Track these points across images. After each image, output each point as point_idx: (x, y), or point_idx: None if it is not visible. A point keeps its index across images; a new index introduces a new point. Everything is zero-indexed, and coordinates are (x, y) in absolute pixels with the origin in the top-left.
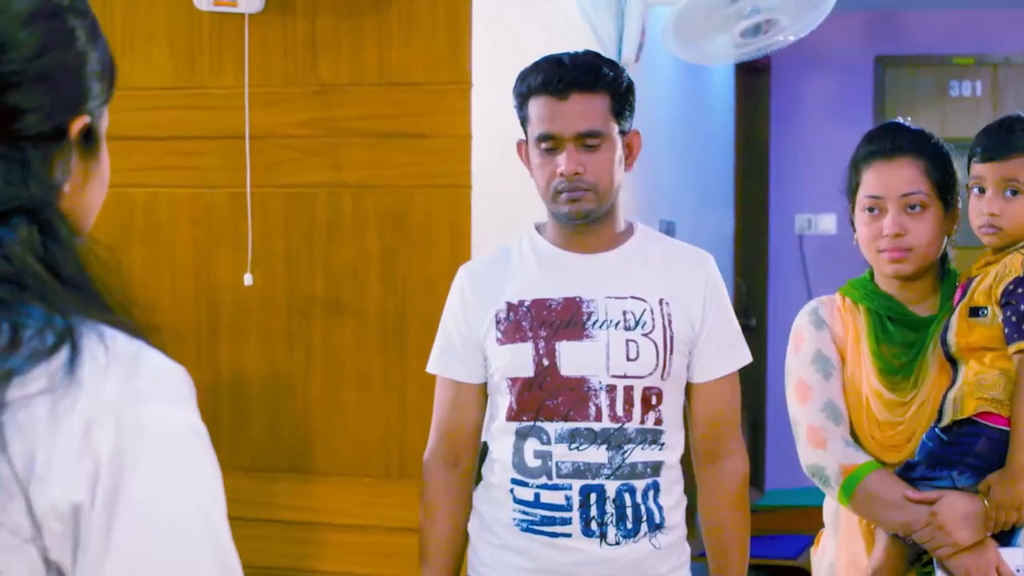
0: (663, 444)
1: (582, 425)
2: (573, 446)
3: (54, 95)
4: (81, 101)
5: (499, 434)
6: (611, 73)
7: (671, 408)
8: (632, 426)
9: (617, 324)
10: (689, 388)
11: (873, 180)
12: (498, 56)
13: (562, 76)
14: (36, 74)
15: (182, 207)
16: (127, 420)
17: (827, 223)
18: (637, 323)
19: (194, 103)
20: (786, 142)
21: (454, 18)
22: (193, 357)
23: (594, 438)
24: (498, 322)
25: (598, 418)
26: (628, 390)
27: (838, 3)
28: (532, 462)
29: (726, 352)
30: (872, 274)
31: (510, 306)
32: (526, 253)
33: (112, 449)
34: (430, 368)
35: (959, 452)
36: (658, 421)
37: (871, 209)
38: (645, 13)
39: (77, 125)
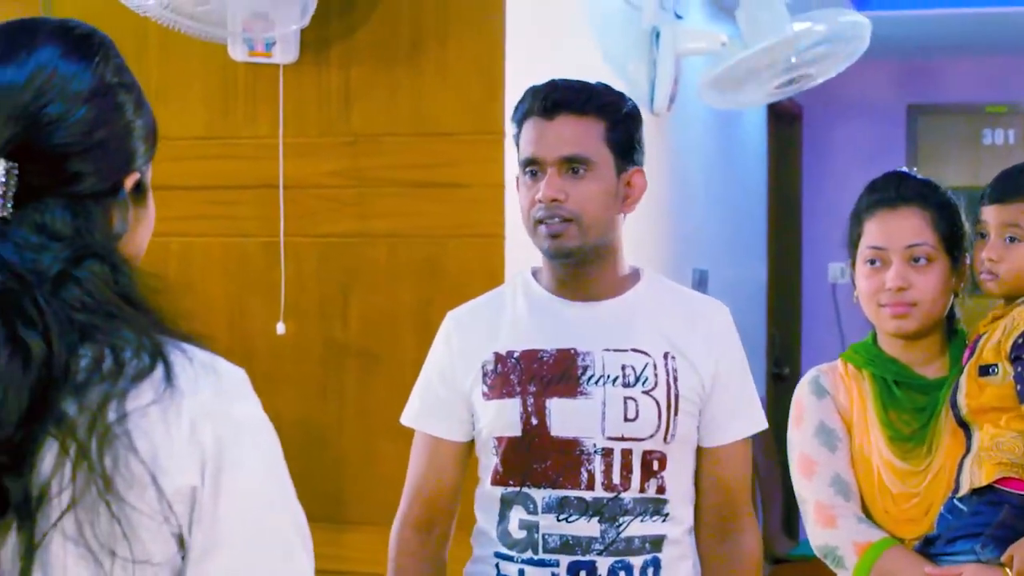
0: (667, 516)
1: (572, 493)
2: (561, 517)
3: (108, 159)
4: (131, 161)
5: (484, 500)
6: (609, 98)
7: (677, 475)
8: (629, 496)
9: (615, 380)
10: (698, 453)
11: (875, 230)
12: None
13: (551, 95)
14: (93, 144)
15: (216, 256)
16: (221, 417)
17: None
18: (638, 379)
19: (228, 153)
20: (819, 190)
21: (487, 68)
22: None
23: (585, 508)
24: (485, 375)
25: (590, 486)
26: (626, 454)
27: (870, 52)
28: (517, 533)
29: (741, 414)
30: (875, 337)
31: (498, 357)
32: (519, 299)
33: (213, 441)
34: (405, 420)
35: (981, 523)
36: (660, 489)
37: (872, 261)
38: (677, 63)
39: (129, 182)
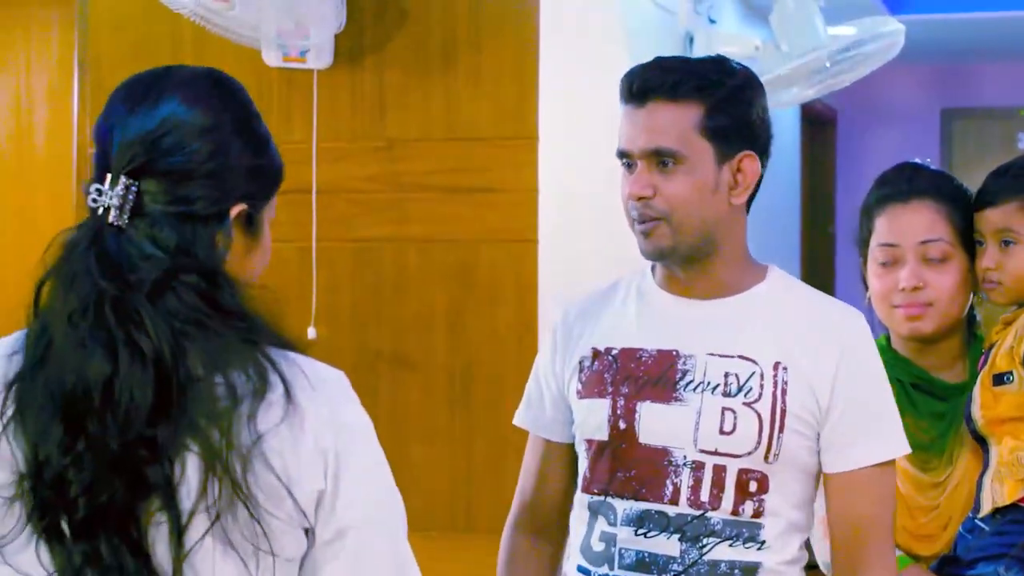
0: (763, 544)
1: (654, 507)
2: (640, 531)
3: (215, 188)
4: (237, 194)
5: (577, 508)
6: (711, 78)
7: (782, 500)
8: (718, 516)
9: (715, 388)
10: (825, 481)
11: (887, 227)
12: (565, 110)
13: (641, 78)
14: (202, 173)
15: None
16: (337, 427)
17: None
18: (740, 389)
19: None
20: (853, 195)
21: (521, 73)
22: None
23: (666, 524)
24: (581, 371)
25: (674, 500)
26: (718, 470)
27: (904, 56)
28: (597, 546)
29: (868, 437)
30: (888, 339)
31: (596, 353)
32: (631, 292)
33: (333, 447)
34: (516, 420)
35: (1004, 543)
36: (758, 513)
37: (885, 260)
38: None
39: (234, 211)
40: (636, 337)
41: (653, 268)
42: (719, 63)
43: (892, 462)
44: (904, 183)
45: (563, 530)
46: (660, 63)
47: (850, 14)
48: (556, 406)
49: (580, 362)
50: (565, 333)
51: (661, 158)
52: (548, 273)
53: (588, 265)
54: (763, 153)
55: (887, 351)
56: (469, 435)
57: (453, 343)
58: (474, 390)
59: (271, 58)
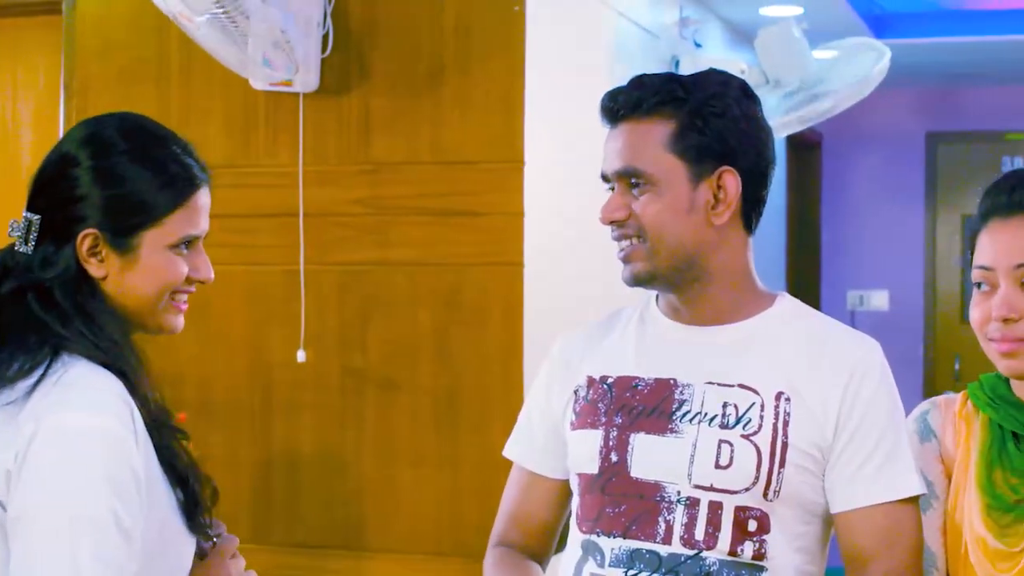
0: None
1: (644, 546)
2: (631, 572)
3: (62, 217)
4: (82, 222)
5: (570, 545)
6: (678, 92)
7: (786, 541)
8: (714, 556)
9: (712, 419)
10: (836, 521)
11: (985, 246)
12: (551, 134)
13: (612, 97)
14: (54, 204)
15: (236, 284)
16: (46, 421)
17: (879, 300)
18: (739, 420)
19: (249, 181)
20: (838, 218)
21: (507, 97)
22: (247, 433)
23: (657, 565)
24: (576, 400)
25: (667, 540)
26: (714, 507)
27: (889, 79)
28: None
29: (877, 474)
30: (1003, 377)
31: (591, 382)
32: (632, 320)
33: (29, 437)
34: (505, 451)
35: None
36: (759, 555)
37: (979, 284)
38: None
39: (81, 235)
40: (633, 365)
41: (658, 296)
42: (697, 76)
43: (908, 504)
44: (1006, 195)
45: (548, 555)
46: (636, 80)
47: (834, 38)
48: (547, 439)
49: (575, 391)
50: (562, 363)
51: (631, 179)
52: (534, 296)
53: (574, 289)
54: (750, 168)
55: (1001, 387)
56: (455, 458)
57: (439, 366)
58: (460, 413)
59: (257, 82)
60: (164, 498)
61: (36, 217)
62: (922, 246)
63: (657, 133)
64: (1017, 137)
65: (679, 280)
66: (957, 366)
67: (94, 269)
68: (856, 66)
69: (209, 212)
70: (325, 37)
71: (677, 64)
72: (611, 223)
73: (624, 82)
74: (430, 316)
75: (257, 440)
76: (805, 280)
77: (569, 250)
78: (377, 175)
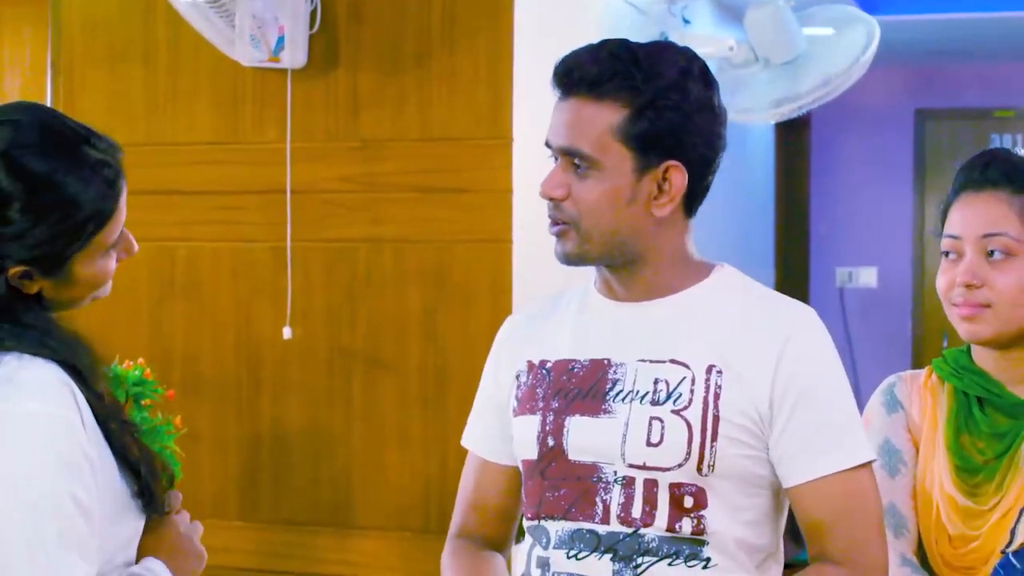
0: (708, 562)
1: (584, 526)
2: (572, 553)
3: None
4: (10, 259)
5: (524, 535)
6: (637, 78)
7: (727, 516)
8: (653, 533)
9: (644, 397)
10: (790, 495)
11: (955, 217)
12: (539, 111)
13: (566, 67)
14: None
15: (223, 261)
16: None
17: (868, 276)
18: (669, 396)
19: (236, 158)
20: (826, 195)
21: (495, 74)
22: (234, 410)
23: (596, 544)
24: (518, 386)
25: (604, 519)
26: (649, 486)
27: (877, 58)
28: (534, 572)
29: (825, 443)
30: (971, 345)
31: (530, 367)
32: (573, 302)
33: None
34: (462, 440)
35: None
36: (698, 531)
37: (947, 253)
38: None
39: (12, 272)
40: (570, 348)
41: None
42: (657, 56)
43: (861, 470)
44: (978, 171)
45: (509, 543)
46: (592, 50)
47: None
48: (496, 425)
49: (517, 376)
50: (506, 347)
51: (575, 159)
52: (522, 274)
53: (562, 267)
54: (698, 159)
55: (963, 358)
56: (443, 436)
57: (427, 344)
58: (448, 391)
59: (245, 57)
60: (115, 483)
61: None
62: (911, 223)
63: (607, 117)
64: (1006, 114)
65: (611, 262)
66: (945, 343)
67: (28, 288)
68: (847, 42)
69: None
70: (313, 14)
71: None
72: (550, 199)
73: (579, 48)
74: (418, 294)
75: (244, 418)
76: (794, 257)
77: None
78: (365, 152)
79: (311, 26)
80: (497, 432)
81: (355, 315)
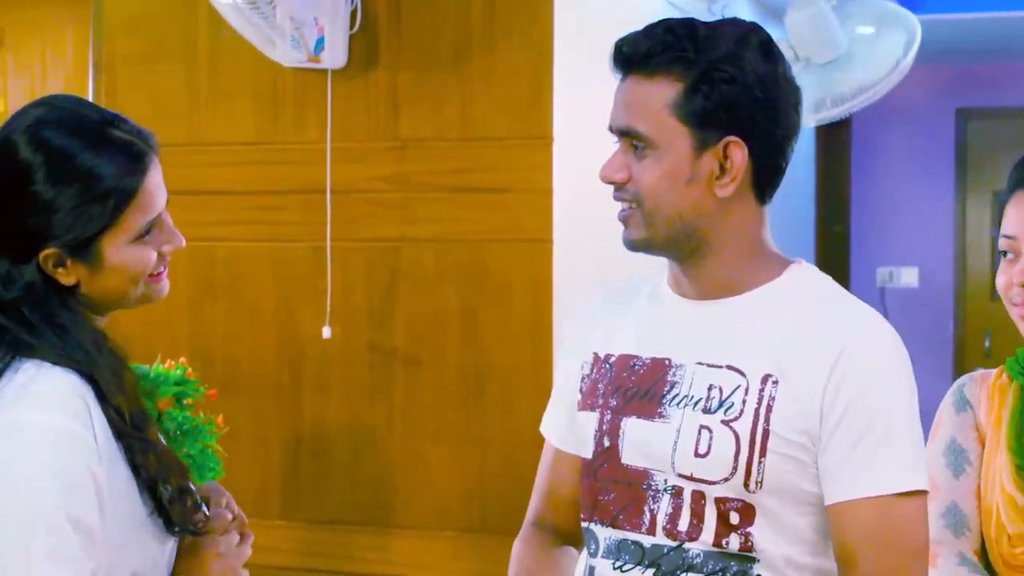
0: None
1: (630, 536)
2: (617, 564)
3: (11, 231)
4: (40, 241)
5: None
6: (689, 50)
7: (777, 535)
8: (698, 548)
9: (697, 403)
10: (828, 514)
11: (1012, 216)
12: (579, 110)
13: (621, 47)
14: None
15: (263, 261)
16: None
17: (909, 276)
18: (721, 404)
19: (276, 158)
20: (867, 195)
21: (535, 73)
22: (274, 409)
23: (641, 556)
24: (583, 379)
25: (650, 530)
26: (697, 497)
27: (918, 56)
28: None
29: (865, 464)
30: None
31: (596, 359)
32: (643, 292)
33: None
34: (541, 426)
35: None
36: (746, 547)
37: (1004, 252)
38: None
39: (43, 255)
40: (634, 343)
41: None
42: (714, 29)
43: (906, 500)
44: None
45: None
46: (648, 30)
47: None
48: (568, 414)
49: (582, 367)
50: (579, 333)
51: (632, 140)
52: (562, 273)
53: (602, 265)
54: (763, 137)
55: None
56: (482, 434)
57: (467, 343)
58: (487, 389)
59: (285, 58)
60: (129, 500)
61: None
62: (952, 223)
63: (662, 94)
64: None
65: (677, 250)
66: (987, 343)
67: (63, 278)
68: (888, 42)
69: (235, 189)
70: (353, 14)
71: None
72: (610, 183)
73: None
74: (457, 293)
75: (285, 417)
76: (834, 257)
77: (597, 226)
78: (404, 152)
79: (351, 27)
80: (567, 421)
81: (395, 314)
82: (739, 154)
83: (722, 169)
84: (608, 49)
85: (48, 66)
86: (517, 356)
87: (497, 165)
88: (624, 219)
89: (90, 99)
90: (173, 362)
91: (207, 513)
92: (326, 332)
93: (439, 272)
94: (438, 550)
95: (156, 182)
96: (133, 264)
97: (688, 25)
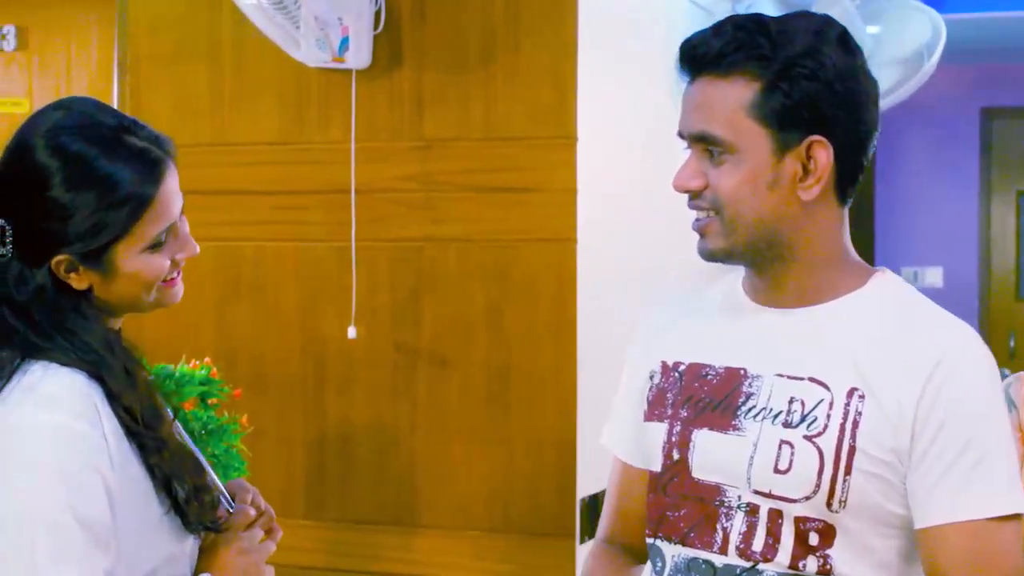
0: None
1: (701, 555)
2: None
3: (26, 232)
4: (53, 246)
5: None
6: (765, 47)
7: (857, 559)
8: (773, 569)
9: (776, 416)
10: (917, 538)
11: None
12: (603, 109)
13: (690, 46)
14: (16, 232)
15: (288, 261)
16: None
17: (933, 276)
18: (803, 419)
19: (301, 158)
20: (891, 194)
21: (559, 72)
22: (299, 409)
23: None
24: (649, 388)
25: (723, 549)
26: (774, 516)
27: (943, 55)
28: None
29: (960, 487)
30: None
31: (664, 367)
32: (716, 298)
33: None
34: (601, 438)
35: None
36: (824, 570)
37: None
38: None
39: (55, 260)
40: (706, 351)
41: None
42: (787, 23)
43: (1001, 524)
44: None
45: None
46: (718, 27)
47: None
48: (632, 424)
49: (650, 375)
50: (644, 341)
51: (707, 145)
52: (587, 273)
53: (627, 264)
54: (846, 135)
55: None
56: (508, 434)
57: (492, 343)
58: (513, 390)
59: (310, 58)
60: (143, 499)
61: (7, 225)
62: (976, 223)
63: (738, 94)
64: None
65: (759, 258)
66: (1012, 343)
67: (76, 283)
68: (912, 43)
69: (260, 189)
70: (377, 14)
71: None
72: (685, 192)
73: (706, 26)
74: (482, 293)
75: (310, 416)
76: (859, 257)
77: (622, 226)
78: (429, 151)
79: (375, 26)
80: (633, 432)
81: (419, 314)
82: (824, 154)
83: (805, 171)
84: (631, 49)
85: (73, 66)
86: (541, 356)
87: (521, 165)
88: (701, 229)
89: (115, 99)
90: (198, 362)
91: (231, 508)
92: (351, 332)
93: (463, 272)
94: (462, 550)
95: (171, 189)
96: (146, 272)
97: (758, 21)
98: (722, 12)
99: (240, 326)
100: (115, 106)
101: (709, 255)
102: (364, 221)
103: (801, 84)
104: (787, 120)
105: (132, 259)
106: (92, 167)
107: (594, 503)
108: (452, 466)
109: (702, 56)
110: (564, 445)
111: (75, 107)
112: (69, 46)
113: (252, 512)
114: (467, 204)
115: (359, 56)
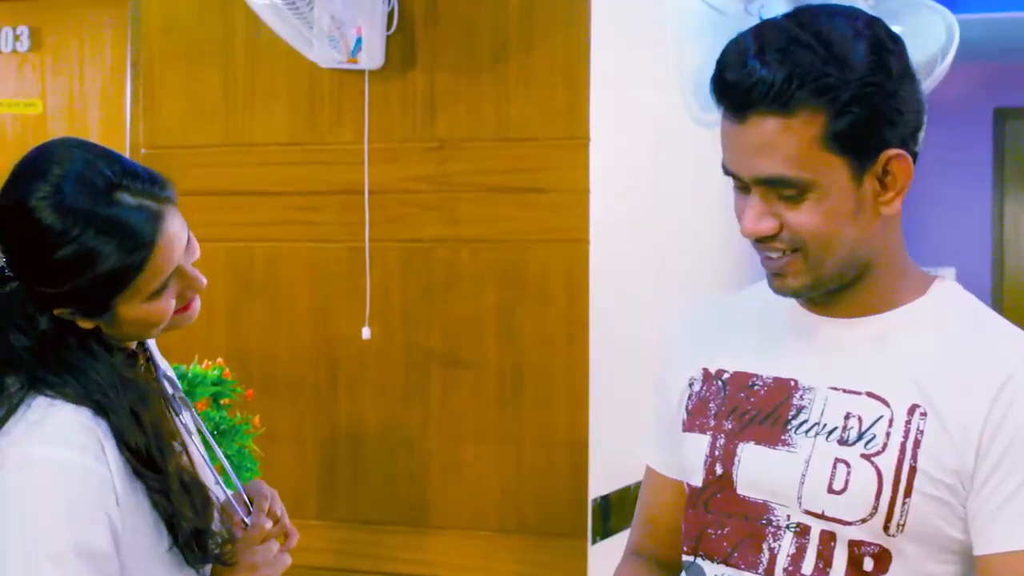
0: None
1: (746, 575)
2: None
3: (28, 281)
4: (54, 302)
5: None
6: (831, 75)
7: None
8: None
9: (831, 432)
10: (976, 564)
11: None
12: (616, 111)
13: (737, 85)
14: (20, 279)
15: (301, 261)
16: (10, 455)
17: (946, 277)
18: (860, 436)
19: (313, 159)
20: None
21: (572, 73)
22: (312, 409)
23: None
24: (689, 396)
25: (769, 571)
26: (826, 538)
27: (956, 55)
28: None
29: (1022, 512)
30: None
31: (706, 375)
32: (760, 303)
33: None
34: (639, 450)
35: None
36: None
37: None
38: None
39: (56, 311)
40: (753, 359)
41: None
42: (837, 37)
43: None
44: None
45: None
46: (759, 54)
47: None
48: (667, 434)
49: (690, 383)
50: (681, 347)
51: (780, 189)
52: (599, 274)
53: (640, 266)
54: (913, 135)
55: None
56: (519, 435)
57: (504, 343)
58: (525, 390)
59: (323, 59)
60: (145, 535)
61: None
62: (989, 224)
63: (806, 129)
64: None
65: (841, 283)
66: None
67: (82, 324)
68: (925, 43)
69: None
70: (390, 15)
71: None
72: (757, 238)
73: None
74: (495, 293)
75: (322, 417)
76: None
77: (635, 227)
78: (441, 152)
79: (388, 27)
80: (669, 443)
81: (432, 315)
82: (903, 167)
83: (882, 184)
84: (644, 50)
85: (86, 67)
86: (554, 356)
87: (534, 166)
88: (779, 268)
89: (127, 100)
90: (211, 362)
91: (247, 520)
92: (366, 333)
93: (476, 272)
94: (473, 550)
95: (171, 236)
96: (149, 318)
97: (804, 43)
98: (734, 12)
99: (253, 327)
100: (128, 106)
101: (793, 293)
102: (377, 222)
103: (873, 102)
104: (862, 142)
105: (135, 309)
106: (80, 239)
107: (606, 504)
108: (464, 466)
109: (758, 95)
110: (576, 445)
111: (59, 171)
112: (82, 47)
113: (268, 525)
114: (480, 205)
115: (372, 57)
